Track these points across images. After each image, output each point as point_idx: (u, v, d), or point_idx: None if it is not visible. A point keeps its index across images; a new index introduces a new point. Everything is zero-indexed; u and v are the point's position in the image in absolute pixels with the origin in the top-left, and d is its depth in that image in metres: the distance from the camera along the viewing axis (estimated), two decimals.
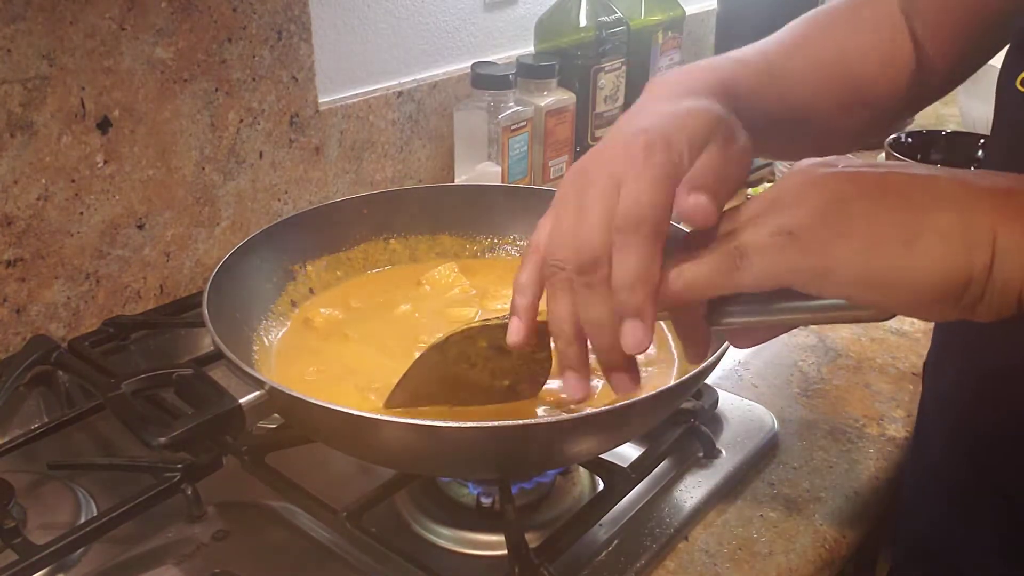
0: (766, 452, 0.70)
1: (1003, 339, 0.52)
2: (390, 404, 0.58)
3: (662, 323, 0.63)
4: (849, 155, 0.42)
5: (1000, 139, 0.58)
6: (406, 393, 0.57)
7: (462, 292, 0.78)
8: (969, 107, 1.32)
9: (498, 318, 0.53)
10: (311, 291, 0.77)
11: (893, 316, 0.39)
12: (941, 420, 0.65)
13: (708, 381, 0.68)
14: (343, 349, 0.70)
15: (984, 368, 0.59)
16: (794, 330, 0.88)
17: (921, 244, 0.35)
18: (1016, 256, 0.34)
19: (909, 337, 0.87)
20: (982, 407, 0.59)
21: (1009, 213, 0.35)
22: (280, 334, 0.72)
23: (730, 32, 1.42)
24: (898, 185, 0.37)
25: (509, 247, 0.85)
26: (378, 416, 0.52)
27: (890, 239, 0.36)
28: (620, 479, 0.63)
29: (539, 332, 0.49)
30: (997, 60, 0.60)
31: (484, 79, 1.05)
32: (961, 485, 0.62)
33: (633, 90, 1.25)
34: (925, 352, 0.74)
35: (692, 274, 0.40)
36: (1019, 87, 0.54)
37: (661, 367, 0.69)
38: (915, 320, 0.89)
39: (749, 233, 0.39)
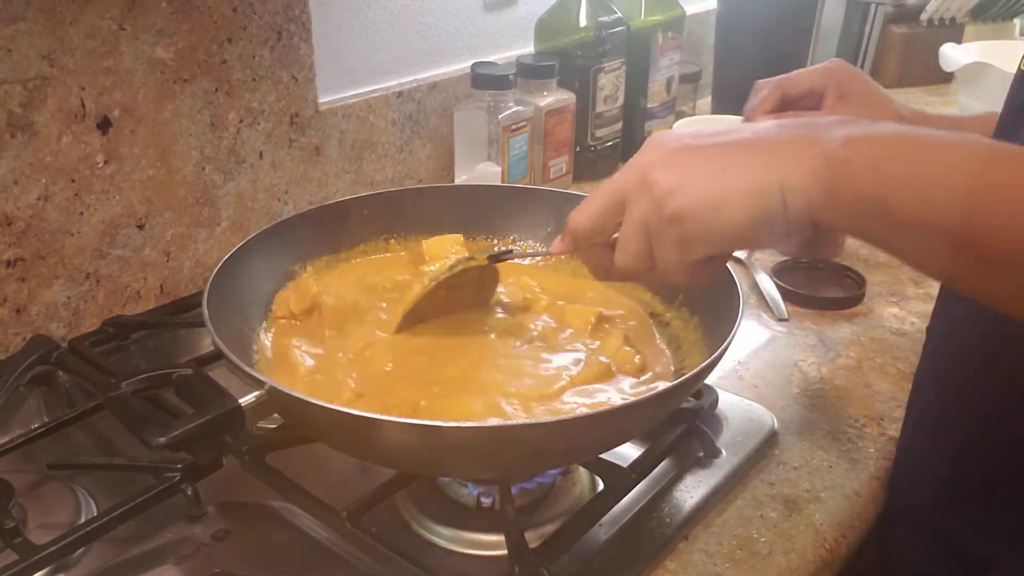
0: (766, 452, 0.70)
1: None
2: (399, 330, 0.70)
3: (655, 330, 0.74)
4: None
5: (1001, 118, 0.63)
6: (410, 319, 0.70)
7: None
8: (968, 106, 1.32)
9: (470, 259, 0.69)
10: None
11: None
12: (936, 390, 0.67)
13: (708, 381, 0.68)
14: (343, 348, 0.70)
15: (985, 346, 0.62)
16: (794, 330, 0.89)
17: (729, 207, 0.48)
18: (799, 196, 0.46)
19: (909, 337, 0.87)
20: (980, 379, 0.62)
21: (791, 163, 0.47)
22: (280, 334, 0.72)
23: (730, 32, 1.42)
24: (705, 162, 0.49)
25: (509, 247, 0.85)
26: (378, 416, 0.52)
27: (707, 208, 0.48)
28: (620, 479, 0.63)
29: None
30: (996, 60, 0.61)
31: (484, 79, 1.05)
32: (949, 459, 0.64)
33: (633, 90, 1.25)
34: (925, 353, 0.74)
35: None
36: (1022, 67, 0.59)
37: (659, 368, 0.69)
38: (915, 320, 0.89)
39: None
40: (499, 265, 0.71)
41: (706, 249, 0.50)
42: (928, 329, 0.72)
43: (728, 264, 0.68)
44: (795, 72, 0.79)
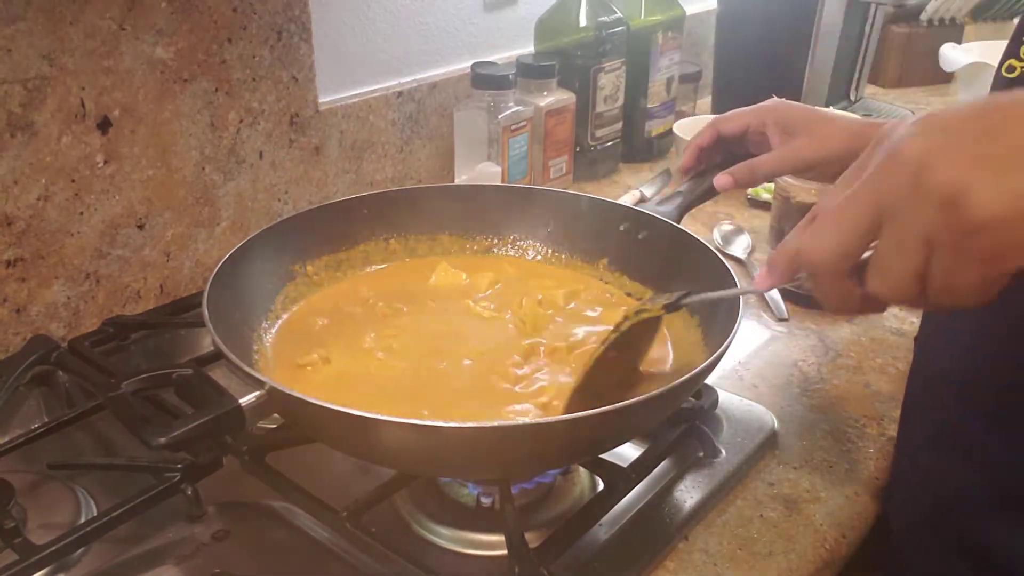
0: (766, 452, 0.70)
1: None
2: (569, 410, 0.59)
3: (664, 328, 0.69)
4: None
5: None
6: (582, 395, 0.59)
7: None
8: None
9: (641, 311, 0.58)
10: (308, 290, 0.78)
11: None
12: (943, 387, 0.66)
13: (708, 381, 0.68)
14: (342, 347, 0.70)
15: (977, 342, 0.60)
16: (794, 330, 0.89)
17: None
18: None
19: (909, 337, 0.87)
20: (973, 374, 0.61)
21: None
22: (280, 334, 0.72)
23: (730, 32, 1.42)
24: (1001, 138, 0.39)
25: (508, 247, 0.85)
26: (378, 416, 0.52)
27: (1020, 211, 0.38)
28: (620, 479, 0.63)
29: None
30: (996, 60, 0.61)
31: (484, 79, 1.05)
32: (962, 442, 0.63)
33: (633, 90, 1.25)
34: None
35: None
36: (1004, 73, 0.58)
37: (658, 367, 0.69)
38: (915, 320, 0.89)
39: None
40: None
41: (1020, 259, 0.39)
42: (916, 339, 0.72)
43: (727, 263, 0.68)
44: (730, 112, 0.79)
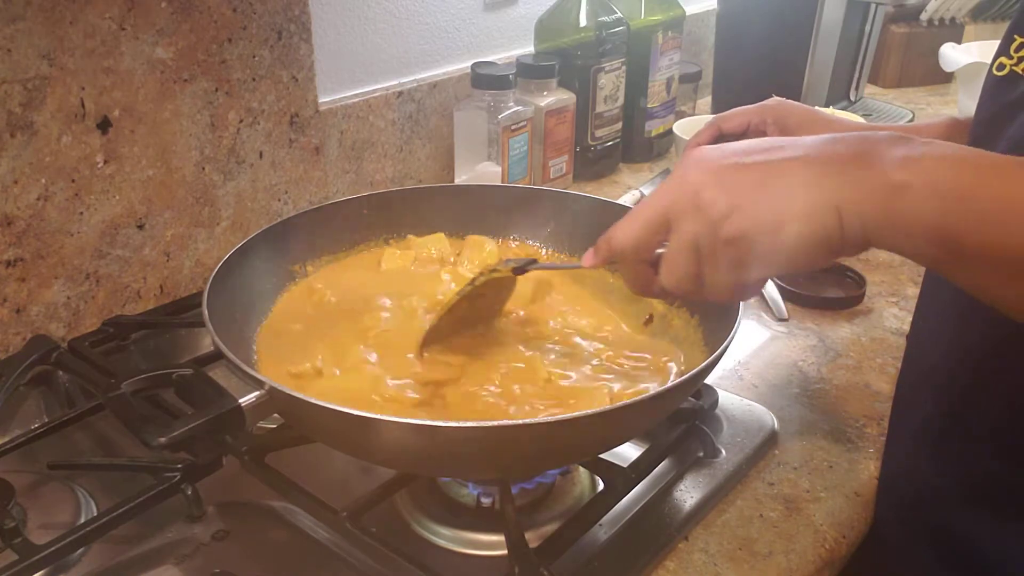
0: (766, 452, 0.70)
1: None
2: (424, 349, 0.68)
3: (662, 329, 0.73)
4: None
5: (976, 119, 0.63)
6: (434, 335, 0.68)
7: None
8: (968, 107, 1.32)
9: (494, 271, 0.66)
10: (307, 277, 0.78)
11: None
12: (929, 386, 0.66)
13: (708, 381, 0.68)
14: (342, 346, 0.70)
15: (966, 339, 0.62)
16: (794, 330, 0.89)
17: (786, 230, 0.47)
18: (855, 219, 0.45)
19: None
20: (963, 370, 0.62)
21: (847, 184, 0.46)
22: (280, 334, 0.72)
23: (730, 32, 1.42)
24: (755, 181, 0.48)
25: (509, 246, 0.85)
26: (378, 416, 0.52)
27: (764, 231, 0.47)
28: (620, 479, 0.63)
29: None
30: None
31: (484, 79, 1.05)
32: (937, 438, 0.64)
33: (633, 90, 1.25)
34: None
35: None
36: (994, 72, 0.59)
37: (656, 368, 0.69)
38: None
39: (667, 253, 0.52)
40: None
41: (763, 271, 0.49)
42: (908, 337, 0.72)
43: None
44: (731, 110, 0.80)
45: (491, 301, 0.71)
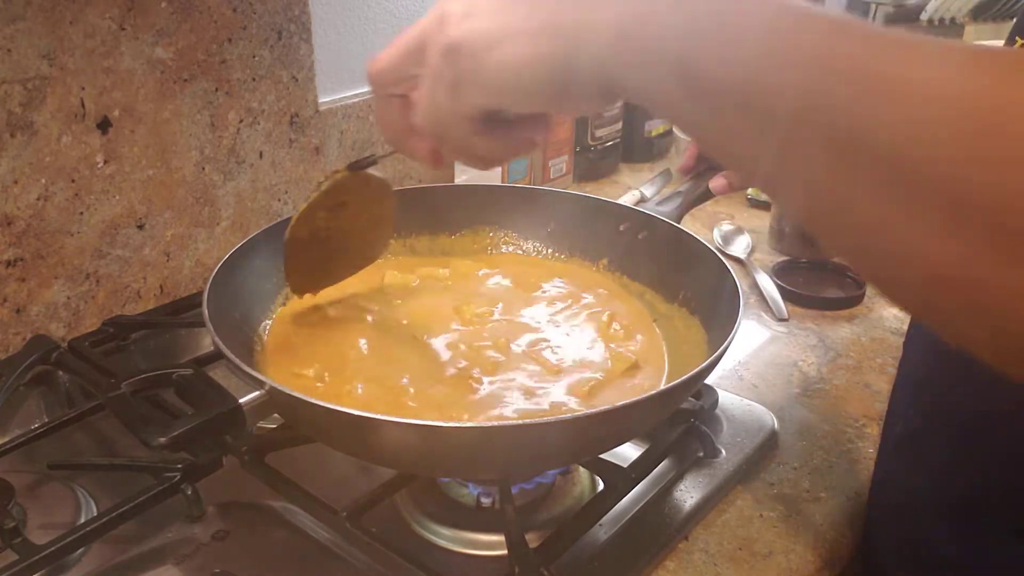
0: (766, 452, 0.70)
1: None
2: (295, 291, 0.68)
3: (656, 328, 0.73)
4: None
5: None
6: (298, 278, 0.66)
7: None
8: None
9: (335, 172, 0.63)
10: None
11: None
12: (914, 392, 0.66)
13: (708, 381, 0.68)
14: (342, 346, 0.70)
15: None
16: (794, 330, 0.89)
17: (503, 47, 0.41)
18: (590, 41, 0.39)
19: None
20: (953, 380, 0.60)
21: (587, 7, 0.39)
22: (280, 333, 0.72)
23: None
24: None
25: (509, 246, 0.85)
26: (378, 416, 0.52)
27: (481, 44, 0.42)
28: (620, 479, 0.63)
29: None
30: None
31: None
32: (916, 447, 0.63)
33: None
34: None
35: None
36: None
37: (651, 370, 0.69)
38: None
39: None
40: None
41: (477, 96, 0.43)
42: (904, 345, 0.71)
43: (727, 263, 0.68)
44: None
45: (361, 213, 0.67)
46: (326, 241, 0.66)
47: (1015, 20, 0.58)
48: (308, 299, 0.73)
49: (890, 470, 0.66)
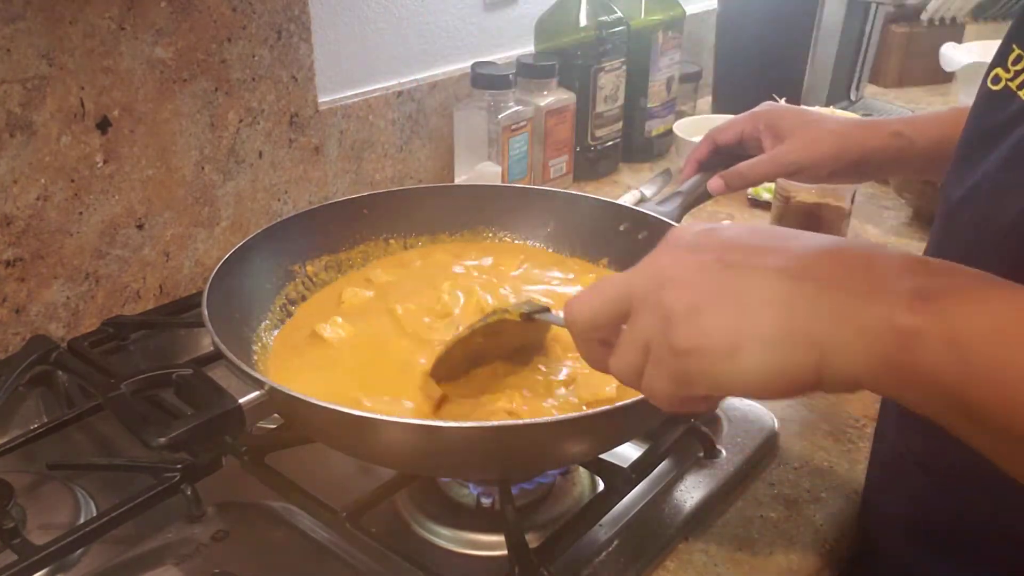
0: (766, 452, 0.70)
1: None
2: (433, 375, 0.64)
3: None
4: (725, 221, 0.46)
5: (964, 136, 0.58)
6: (443, 369, 0.64)
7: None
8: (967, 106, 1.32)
9: (505, 311, 0.62)
10: (308, 290, 0.78)
11: None
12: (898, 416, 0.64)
13: None
14: (342, 346, 0.70)
15: None
16: None
17: (743, 355, 0.39)
18: (844, 363, 0.37)
19: None
20: None
21: (838, 319, 0.37)
22: (280, 334, 0.72)
23: (730, 32, 1.42)
24: (728, 286, 0.40)
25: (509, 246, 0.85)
26: (378, 416, 0.52)
27: (717, 351, 0.40)
28: (620, 479, 0.63)
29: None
30: None
31: (484, 79, 1.05)
32: (898, 468, 0.63)
33: (633, 90, 1.25)
34: None
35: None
36: (989, 84, 0.55)
37: None
38: None
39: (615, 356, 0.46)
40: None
41: (706, 391, 0.42)
42: None
43: None
44: (725, 122, 0.80)
45: (510, 345, 0.67)
46: (474, 358, 0.65)
47: (1010, 25, 0.57)
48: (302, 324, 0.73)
49: (878, 487, 0.66)
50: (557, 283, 0.79)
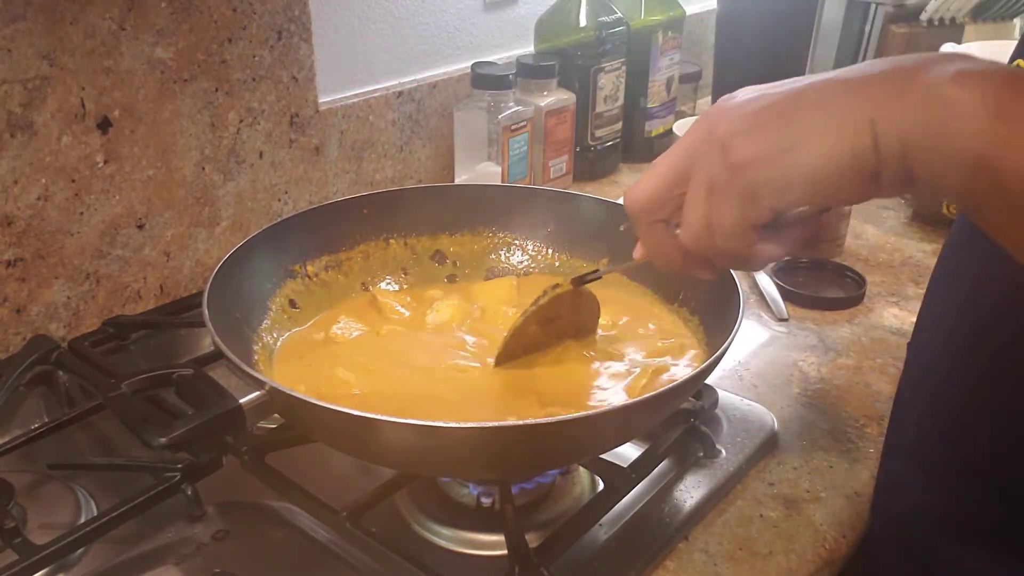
0: (766, 452, 0.70)
1: (989, 321, 0.53)
2: (499, 363, 0.67)
3: (679, 319, 0.75)
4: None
5: None
6: (506, 353, 0.67)
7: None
8: None
9: (556, 287, 0.64)
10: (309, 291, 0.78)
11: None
12: (919, 397, 0.64)
13: (708, 381, 0.68)
14: (342, 348, 0.70)
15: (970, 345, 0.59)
16: (794, 330, 0.89)
17: (801, 148, 0.41)
18: (894, 134, 0.39)
19: (909, 337, 0.87)
20: (961, 387, 0.60)
21: (885, 96, 0.40)
22: (280, 334, 0.72)
23: (730, 32, 1.42)
24: (776, 106, 0.43)
25: (509, 246, 0.85)
26: (378, 416, 0.52)
27: (776, 148, 0.41)
28: (620, 479, 0.63)
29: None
30: (997, 60, 0.60)
31: (484, 79, 1.05)
32: (932, 461, 0.62)
33: (633, 90, 1.25)
34: None
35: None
36: None
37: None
38: (915, 320, 0.89)
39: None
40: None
41: (773, 199, 0.43)
42: (909, 346, 0.69)
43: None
44: None
45: (568, 321, 0.68)
46: (531, 348, 0.68)
47: (1017, 43, 0.56)
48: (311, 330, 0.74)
49: (896, 480, 0.65)
50: None
